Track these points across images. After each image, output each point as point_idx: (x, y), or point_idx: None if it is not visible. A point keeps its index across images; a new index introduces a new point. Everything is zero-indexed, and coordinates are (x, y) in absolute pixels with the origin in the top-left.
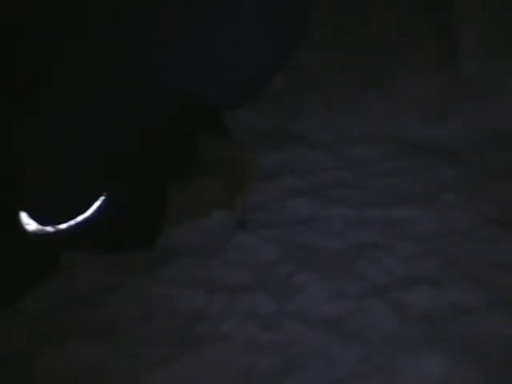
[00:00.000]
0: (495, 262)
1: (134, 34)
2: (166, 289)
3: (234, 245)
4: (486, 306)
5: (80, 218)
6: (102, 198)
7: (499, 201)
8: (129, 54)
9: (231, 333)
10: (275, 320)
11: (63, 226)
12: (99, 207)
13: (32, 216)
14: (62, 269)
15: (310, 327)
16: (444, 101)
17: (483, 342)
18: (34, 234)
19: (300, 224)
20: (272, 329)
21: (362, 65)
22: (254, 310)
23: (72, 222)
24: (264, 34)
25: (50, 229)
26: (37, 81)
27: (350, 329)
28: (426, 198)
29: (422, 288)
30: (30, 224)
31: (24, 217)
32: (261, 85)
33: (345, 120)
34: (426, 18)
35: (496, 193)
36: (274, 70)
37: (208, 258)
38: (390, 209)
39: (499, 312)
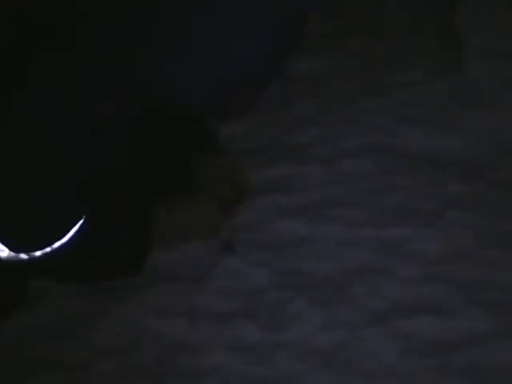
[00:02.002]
0: (506, 286)
1: (120, 46)
2: (147, 317)
3: (220, 270)
4: (496, 334)
5: (57, 245)
6: (80, 222)
7: None
8: (116, 65)
9: (217, 366)
10: (266, 352)
11: (38, 253)
12: (78, 232)
13: (3, 242)
14: (29, 297)
15: (304, 359)
16: (460, 108)
17: (494, 374)
18: (7, 262)
19: (292, 246)
20: (262, 361)
21: (362, 69)
22: (242, 340)
23: (48, 249)
24: (256, 42)
25: (23, 256)
26: (9, 86)
27: (346, 360)
28: (428, 215)
29: (425, 316)
30: (2, 251)
31: None
32: (255, 95)
33: (343, 132)
34: (430, 17)
35: (509, 210)
36: (268, 80)
37: (193, 284)
38: (389, 228)
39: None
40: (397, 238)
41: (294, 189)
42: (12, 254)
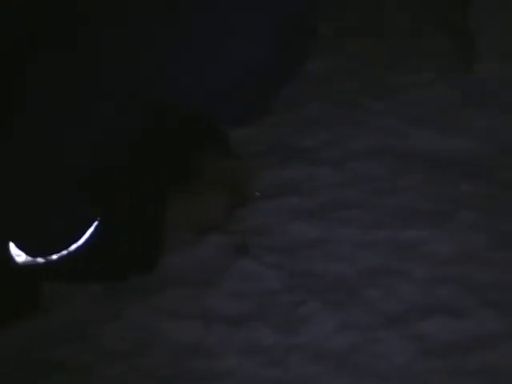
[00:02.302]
0: None
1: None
2: (159, 320)
3: (233, 272)
4: (510, 335)
5: (72, 247)
6: (95, 224)
7: None
8: (116, 65)
9: (230, 369)
10: (279, 354)
11: (54, 256)
12: (93, 234)
13: (20, 247)
14: (44, 301)
15: (317, 362)
16: (460, 109)
17: (508, 375)
18: (24, 266)
19: (305, 248)
20: (275, 364)
21: (362, 70)
22: (255, 343)
23: (64, 252)
24: (256, 42)
25: (40, 260)
26: (9, 86)
27: (360, 363)
28: (439, 216)
29: (439, 317)
30: (19, 255)
31: (13, 248)
32: (263, 97)
33: (351, 133)
34: (430, 17)
35: None
36: (273, 81)
37: (205, 287)
38: (401, 230)
39: None
40: (409, 240)
41: (305, 191)
42: (29, 258)
